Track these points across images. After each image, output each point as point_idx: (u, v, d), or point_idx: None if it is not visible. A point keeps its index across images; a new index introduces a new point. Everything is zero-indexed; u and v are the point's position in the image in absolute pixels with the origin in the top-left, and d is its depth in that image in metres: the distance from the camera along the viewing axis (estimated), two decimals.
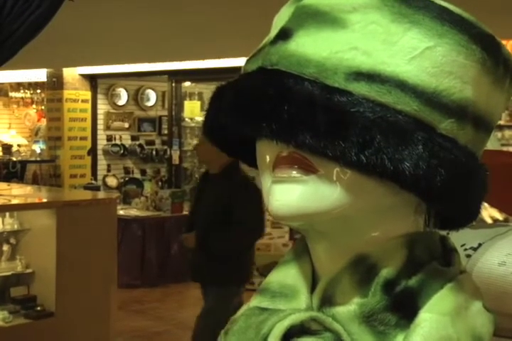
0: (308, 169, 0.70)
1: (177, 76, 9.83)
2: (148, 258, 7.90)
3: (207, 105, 0.79)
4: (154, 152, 11.14)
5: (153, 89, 11.30)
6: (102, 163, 11.12)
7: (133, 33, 6.55)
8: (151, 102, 11.38)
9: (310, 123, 0.67)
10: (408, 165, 0.67)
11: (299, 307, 0.75)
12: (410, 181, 0.67)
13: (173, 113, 10.02)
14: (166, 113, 10.68)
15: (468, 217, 0.76)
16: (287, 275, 0.79)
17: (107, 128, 11.07)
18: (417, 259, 0.74)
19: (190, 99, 10.16)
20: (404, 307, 0.72)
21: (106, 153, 11.11)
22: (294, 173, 0.71)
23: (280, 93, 0.69)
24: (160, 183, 9.95)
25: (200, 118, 10.16)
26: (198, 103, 10.01)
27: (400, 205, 0.74)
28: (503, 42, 0.74)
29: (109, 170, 11.11)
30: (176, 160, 9.87)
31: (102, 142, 11.10)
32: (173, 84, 9.96)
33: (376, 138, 0.66)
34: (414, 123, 0.68)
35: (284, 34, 0.73)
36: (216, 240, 4.12)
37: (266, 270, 7.72)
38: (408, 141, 0.67)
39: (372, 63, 0.69)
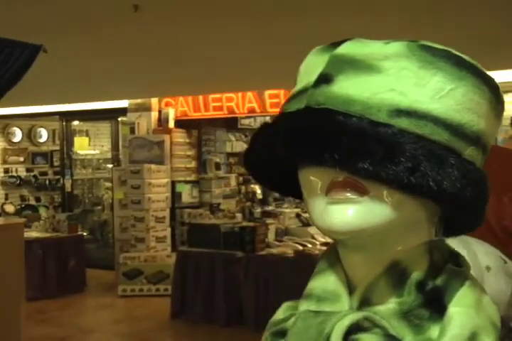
0: (361, 191, 0.69)
1: (67, 116, 9.55)
2: (49, 273, 7.58)
3: (249, 141, 0.77)
4: (47, 181, 10.83)
5: (44, 128, 11.03)
6: (0, 192, 10.62)
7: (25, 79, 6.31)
8: (43, 139, 11.16)
9: (367, 152, 0.66)
10: (446, 184, 0.67)
11: (342, 308, 0.74)
12: (448, 198, 0.68)
13: (65, 147, 9.71)
14: (56, 147, 10.38)
15: (477, 224, 0.77)
16: (327, 282, 0.77)
17: (4, 162, 10.72)
18: (436, 263, 0.75)
19: (79, 136, 9.93)
20: (434, 303, 0.72)
21: (4, 183, 10.72)
22: (350, 195, 0.69)
23: (336, 127, 0.68)
24: (54, 208, 9.63)
25: (88, 151, 9.97)
26: (86, 139, 9.82)
27: (424, 219, 0.74)
28: None
29: (6, 199, 10.70)
30: (68, 188, 9.59)
31: None
32: (64, 123, 9.68)
33: (422, 163, 0.66)
34: (446, 150, 0.69)
35: (325, 79, 0.71)
36: None
37: (153, 278, 7.57)
38: (445, 165, 0.68)
39: (408, 102, 0.69)
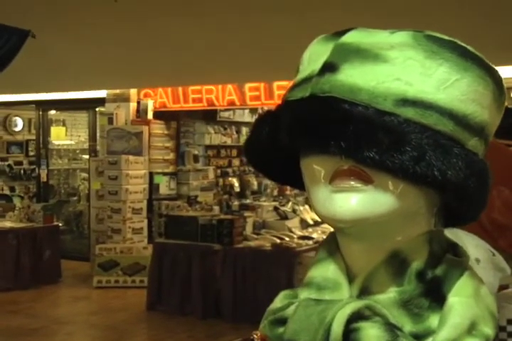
0: (366, 180, 0.69)
1: (43, 105, 9.41)
2: (22, 264, 7.48)
3: (251, 128, 0.77)
4: (22, 171, 10.68)
5: (20, 117, 10.85)
6: None
7: None
8: (19, 128, 10.97)
9: (373, 141, 0.66)
10: (451, 174, 0.67)
11: (342, 297, 0.74)
12: (452, 188, 0.68)
13: (41, 137, 9.57)
14: (32, 137, 10.22)
15: (477, 215, 0.78)
16: (327, 271, 0.77)
17: None
18: (436, 253, 0.75)
19: (56, 125, 9.80)
20: (434, 292, 0.72)
21: None
22: (354, 184, 0.69)
23: (342, 116, 0.68)
24: (29, 198, 9.52)
25: (64, 141, 9.86)
26: (63, 129, 9.71)
27: (425, 209, 0.74)
28: None
29: None
30: (44, 178, 9.46)
31: None
32: (40, 112, 9.53)
33: (427, 152, 0.67)
34: (450, 141, 0.69)
35: (330, 67, 0.71)
36: None
37: (129, 269, 7.53)
38: (450, 155, 0.68)
39: (414, 92, 0.69)
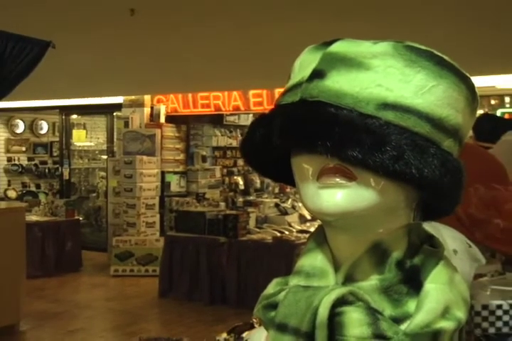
0: (349, 177, 0.69)
1: (66, 110, 9.44)
2: (47, 254, 7.51)
3: (247, 129, 0.77)
4: (47, 170, 10.72)
5: (45, 121, 10.89)
6: (3, 179, 10.55)
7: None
8: (44, 131, 11.00)
9: (356, 142, 0.66)
10: (427, 171, 0.67)
11: (328, 284, 0.74)
12: (429, 184, 0.68)
13: (64, 139, 9.60)
14: (56, 139, 10.27)
15: (452, 210, 0.77)
16: (315, 260, 0.77)
17: (8, 151, 10.57)
18: (414, 244, 0.75)
19: (77, 129, 9.83)
20: (412, 279, 0.72)
21: (7, 171, 10.58)
22: (339, 180, 0.69)
23: (329, 118, 0.68)
24: (52, 194, 9.56)
25: (85, 143, 9.88)
26: (84, 131, 9.75)
27: (404, 204, 0.74)
28: None
29: (9, 185, 10.57)
30: (66, 176, 9.50)
31: (3, 162, 10.56)
32: (63, 117, 9.57)
33: (406, 152, 0.67)
34: (427, 141, 0.69)
35: (319, 74, 0.71)
36: None
37: (143, 259, 7.54)
38: (427, 154, 0.68)
39: (394, 97, 0.69)
